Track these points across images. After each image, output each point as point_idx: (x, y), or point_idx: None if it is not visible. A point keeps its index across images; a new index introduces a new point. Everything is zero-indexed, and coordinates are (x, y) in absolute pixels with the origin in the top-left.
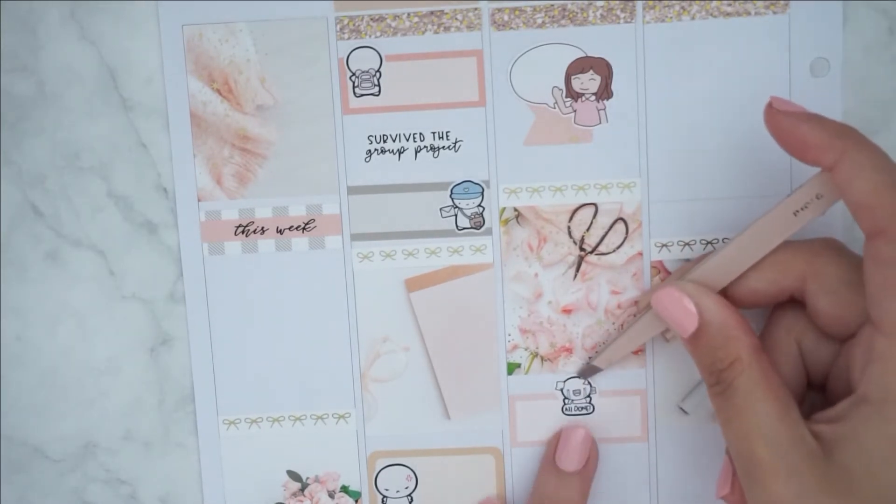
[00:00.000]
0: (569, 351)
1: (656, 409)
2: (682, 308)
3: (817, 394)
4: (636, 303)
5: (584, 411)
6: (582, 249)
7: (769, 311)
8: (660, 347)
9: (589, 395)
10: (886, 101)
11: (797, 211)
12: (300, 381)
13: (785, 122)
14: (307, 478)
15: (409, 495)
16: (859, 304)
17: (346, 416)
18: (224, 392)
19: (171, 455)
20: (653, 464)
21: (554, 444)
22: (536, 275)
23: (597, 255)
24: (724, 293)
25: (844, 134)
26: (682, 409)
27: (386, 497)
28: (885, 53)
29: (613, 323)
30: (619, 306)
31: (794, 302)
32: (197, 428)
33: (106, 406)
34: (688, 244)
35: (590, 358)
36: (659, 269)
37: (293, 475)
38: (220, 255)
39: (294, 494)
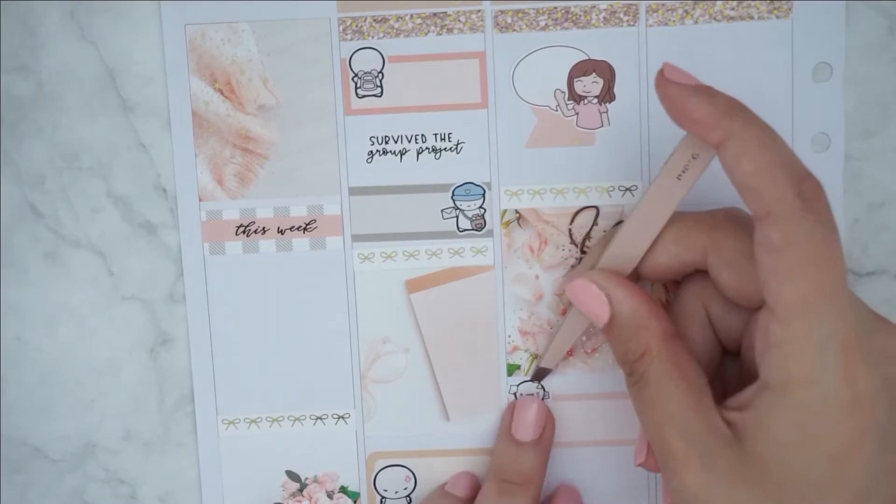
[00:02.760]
0: (569, 353)
1: None
2: (594, 298)
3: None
4: (560, 295)
5: None
6: (583, 252)
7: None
8: None
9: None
10: (886, 101)
11: (679, 175)
12: (300, 382)
13: (674, 93)
14: (306, 478)
15: (408, 496)
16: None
17: (346, 416)
18: (224, 392)
19: (171, 455)
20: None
21: (509, 415)
22: (537, 277)
23: None
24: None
25: (732, 111)
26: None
27: (385, 498)
28: (885, 53)
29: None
30: None
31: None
32: (196, 428)
33: (106, 406)
34: None
35: (537, 359)
36: None
37: (292, 475)
38: (220, 255)
39: (293, 495)
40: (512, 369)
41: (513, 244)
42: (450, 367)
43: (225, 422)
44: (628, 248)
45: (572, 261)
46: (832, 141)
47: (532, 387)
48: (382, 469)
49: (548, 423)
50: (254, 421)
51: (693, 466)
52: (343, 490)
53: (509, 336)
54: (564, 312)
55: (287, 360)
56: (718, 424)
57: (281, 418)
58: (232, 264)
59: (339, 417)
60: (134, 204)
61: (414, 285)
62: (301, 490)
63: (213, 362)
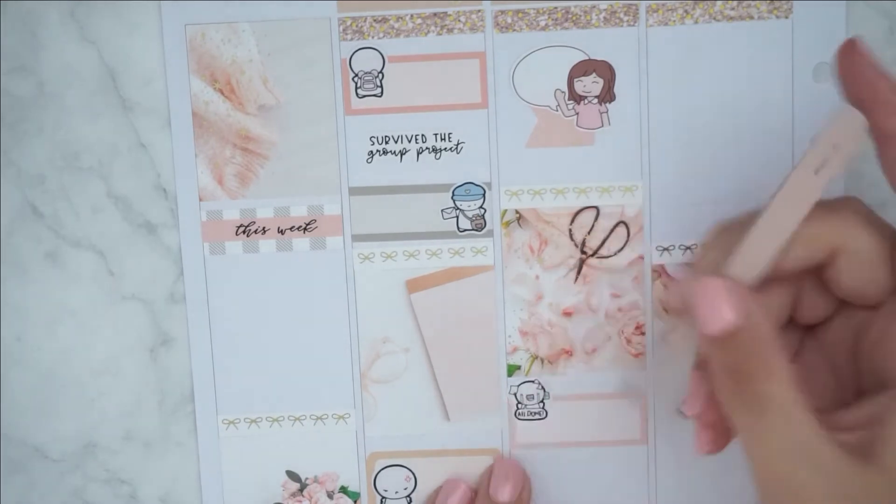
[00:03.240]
0: (569, 353)
1: (655, 413)
2: (723, 302)
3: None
4: (667, 286)
5: (536, 416)
6: (583, 252)
7: None
8: (660, 352)
9: (542, 401)
10: None
11: (818, 169)
12: (300, 382)
13: (865, 67)
14: (306, 478)
15: (409, 496)
16: (887, 279)
17: (346, 416)
18: (224, 392)
19: (171, 455)
20: (651, 468)
21: (487, 477)
22: (537, 277)
23: (598, 258)
24: None
25: None
26: (681, 412)
27: (385, 498)
28: (885, 53)
29: (613, 326)
30: (619, 310)
31: None
32: (196, 427)
33: (106, 406)
34: (689, 248)
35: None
36: (660, 272)
37: (292, 475)
38: (220, 254)
39: (293, 495)
40: (512, 369)
41: (513, 244)
42: (450, 368)
43: (225, 422)
44: (757, 251)
45: (572, 261)
46: None
47: (534, 387)
48: (383, 469)
49: (525, 485)
50: (254, 421)
51: (826, 497)
52: (343, 490)
53: (509, 336)
54: (667, 312)
55: (287, 360)
56: (839, 449)
57: (281, 418)
58: (232, 264)
59: (340, 418)
60: (134, 204)
61: (414, 285)
62: (301, 490)
63: (214, 362)
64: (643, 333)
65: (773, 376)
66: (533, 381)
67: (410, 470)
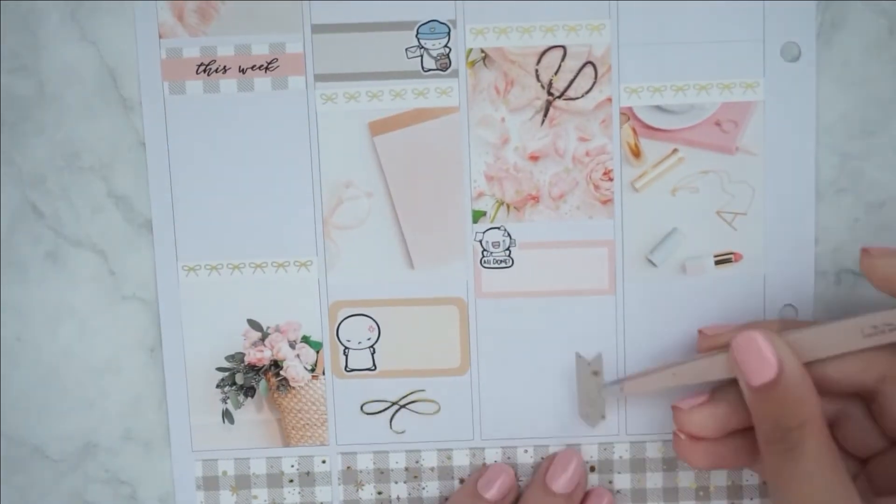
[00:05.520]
0: (535, 199)
1: (623, 261)
2: (762, 355)
3: None
4: (702, 334)
5: (502, 265)
6: (550, 94)
7: None
8: (629, 198)
9: (508, 249)
10: (886, 101)
11: (868, 335)
12: (261, 227)
13: (890, 265)
14: (268, 327)
15: (372, 346)
16: None
17: (308, 263)
18: (183, 237)
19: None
20: (619, 317)
21: (547, 464)
22: (503, 119)
23: (565, 99)
24: None
25: None
26: (650, 260)
27: (348, 348)
28: (885, 53)
29: (581, 171)
30: (587, 154)
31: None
32: (155, 273)
33: (106, 406)
34: (658, 90)
35: (621, 379)
36: (628, 115)
37: (253, 324)
38: (180, 94)
39: (254, 344)
40: (477, 216)
41: (478, 85)
42: (414, 213)
43: (185, 268)
44: (809, 345)
45: (539, 103)
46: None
47: (499, 234)
48: (346, 319)
49: (581, 478)
50: (214, 268)
51: None
52: (305, 340)
53: (474, 181)
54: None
55: (248, 205)
56: None
57: (242, 265)
58: (192, 105)
59: (302, 265)
60: (134, 204)
61: (377, 127)
62: (263, 339)
63: (173, 207)
64: (611, 179)
65: (810, 426)
66: (498, 228)
67: (374, 320)
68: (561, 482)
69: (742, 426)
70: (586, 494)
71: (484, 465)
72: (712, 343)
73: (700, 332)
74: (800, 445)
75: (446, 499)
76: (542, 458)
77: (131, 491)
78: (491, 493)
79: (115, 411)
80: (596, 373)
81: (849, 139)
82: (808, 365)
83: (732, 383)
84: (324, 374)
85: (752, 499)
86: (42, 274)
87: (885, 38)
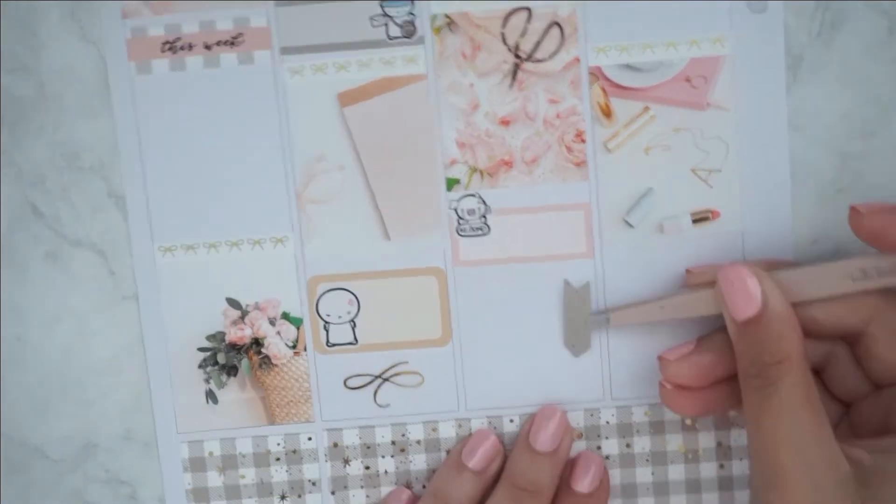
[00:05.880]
0: (508, 164)
1: (600, 224)
2: (747, 289)
3: None
4: (689, 272)
5: (479, 232)
6: (517, 57)
7: None
8: (602, 160)
9: (484, 216)
10: (886, 101)
11: (856, 279)
12: (235, 205)
13: (876, 221)
14: (247, 305)
15: (352, 320)
16: None
17: (284, 239)
18: (158, 218)
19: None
20: (599, 280)
21: (529, 424)
22: (472, 85)
23: (533, 62)
24: None
25: None
26: (627, 222)
27: (328, 323)
28: (885, 53)
29: (553, 134)
30: (558, 116)
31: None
32: (132, 256)
33: (106, 406)
34: (625, 48)
35: (609, 308)
36: (597, 75)
37: (232, 303)
38: (147, 74)
39: (234, 322)
40: (451, 183)
41: (445, 51)
42: (387, 184)
43: (161, 249)
44: (797, 286)
45: (506, 66)
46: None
47: (474, 201)
48: (324, 293)
49: (566, 435)
50: (191, 247)
51: (802, 490)
52: (285, 316)
53: (446, 148)
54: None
55: (221, 183)
56: (839, 458)
57: (218, 244)
58: (160, 84)
59: (278, 241)
60: None
61: (346, 98)
62: (242, 318)
63: (147, 188)
64: (584, 141)
65: (787, 363)
66: (473, 195)
67: (353, 293)
68: (542, 439)
69: (729, 374)
70: (574, 460)
71: (471, 433)
72: (699, 279)
73: (687, 270)
74: (776, 382)
75: (434, 472)
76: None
77: (131, 491)
78: (474, 462)
79: (115, 411)
80: (583, 301)
81: (849, 139)
82: (796, 306)
83: (718, 331)
84: (305, 350)
85: (741, 459)
86: (42, 274)
87: (885, 38)
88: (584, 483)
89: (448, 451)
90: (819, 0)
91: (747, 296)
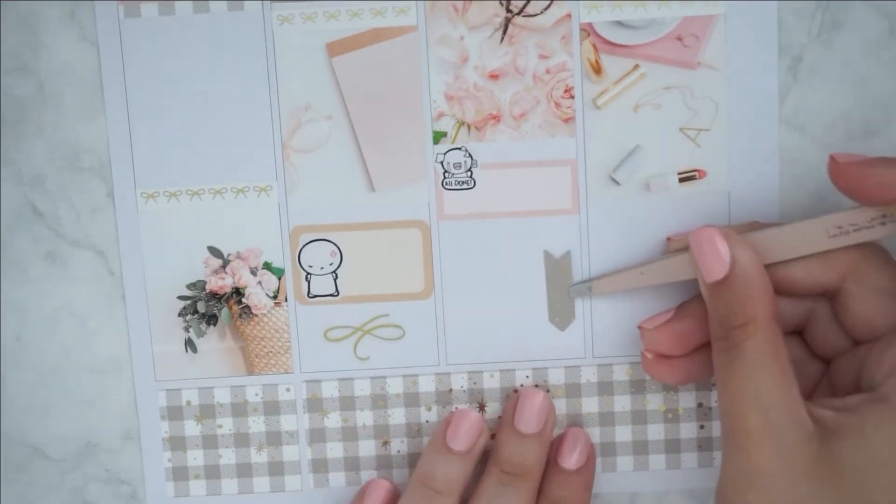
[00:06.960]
0: (496, 118)
1: (586, 180)
2: (716, 251)
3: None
4: (669, 240)
5: (464, 186)
6: (509, 11)
7: None
8: (591, 116)
9: (470, 169)
10: (886, 101)
11: (832, 235)
12: (219, 153)
13: (854, 171)
14: (228, 254)
15: (334, 272)
16: (893, 312)
17: (268, 188)
18: (141, 163)
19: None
20: (583, 237)
21: (512, 406)
22: (462, 38)
23: (524, 16)
24: None
25: None
26: (613, 179)
27: (310, 274)
28: (885, 53)
29: (542, 89)
30: (547, 71)
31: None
32: (114, 201)
33: (106, 406)
34: (618, 5)
35: (590, 278)
36: (588, 31)
37: (214, 251)
38: (136, 17)
39: (215, 272)
40: (438, 136)
41: (436, 3)
42: (374, 135)
43: (144, 195)
44: (774, 246)
45: (498, 20)
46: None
47: (461, 154)
48: (307, 244)
49: (550, 416)
50: (173, 194)
51: (766, 449)
52: (267, 266)
53: (434, 101)
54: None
55: (206, 129)
56: (803, 417)
57: (201, 191)
58: (148, 28)
59: (262, 190)
60: None
61: (335, 48)
62: (224, 267)
63: (130, 132)
64: (572, 97)
65: (752, 326)
66: (460, 149)
67: (335, 244)
68: (526, 421)
69: (709, 340)
70: (561, 437)
71: (451, 413)
72: (679, 246)
73: (668, 238)
74: (740, 344)
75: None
76: (509, 396)
77: (131, 491)
78: (458, 443)
79: (115, 411)
80: (564, 272)
81: (849, 139)
82: (774, 266)
83: (697, 297)
84: (286, 300)
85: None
86: (42, 274)
87: (885, 38)
88: (571, 460)
89: (427, 408)
90: (819, 0)
91: (717, 257)
